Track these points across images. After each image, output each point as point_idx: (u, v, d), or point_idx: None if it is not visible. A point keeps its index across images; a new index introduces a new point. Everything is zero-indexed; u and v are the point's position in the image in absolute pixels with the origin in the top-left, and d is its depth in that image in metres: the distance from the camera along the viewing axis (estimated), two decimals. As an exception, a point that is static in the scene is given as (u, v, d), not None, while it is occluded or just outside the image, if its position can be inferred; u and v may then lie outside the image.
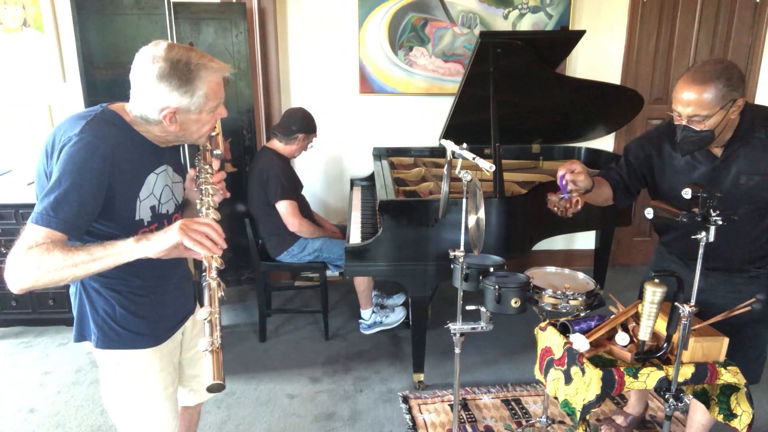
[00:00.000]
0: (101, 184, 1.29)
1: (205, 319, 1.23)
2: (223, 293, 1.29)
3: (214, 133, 1.48)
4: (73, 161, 1.25)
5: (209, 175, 1.47)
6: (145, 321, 1.50)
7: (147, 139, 1.41)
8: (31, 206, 3.12)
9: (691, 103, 1.64)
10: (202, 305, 1.39)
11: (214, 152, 1.51)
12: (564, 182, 1.84)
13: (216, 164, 1.51)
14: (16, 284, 1.22)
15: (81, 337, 1.50)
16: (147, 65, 1.30)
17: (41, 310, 3.34)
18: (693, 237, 1.49)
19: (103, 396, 1.59)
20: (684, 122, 1.68)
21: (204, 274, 1.30)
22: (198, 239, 1.26)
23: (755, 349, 1.89)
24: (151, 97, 1.32)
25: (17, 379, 2.87)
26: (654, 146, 1.92)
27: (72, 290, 1.50)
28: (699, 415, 2.01)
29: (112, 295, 1.45)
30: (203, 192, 1.44)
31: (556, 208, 1.86)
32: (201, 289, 1.31)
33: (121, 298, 1.45)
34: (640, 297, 2.14)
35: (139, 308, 1.48)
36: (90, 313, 1.46)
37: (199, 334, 1.73)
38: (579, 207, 1.83)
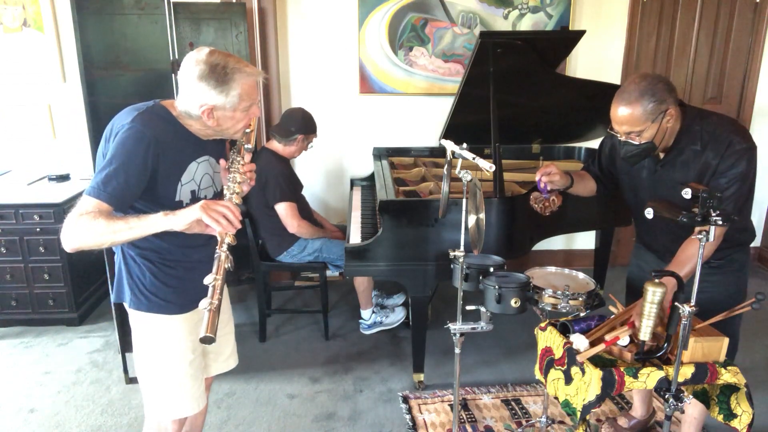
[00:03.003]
0: (145, 166, 1.49)
1: (210, 283, 1.41)
2: (229, 265, 1.46)
3: (248, 130, 1.66)
4: (123, 145, 1.47)
5: (240, 166, 1.64)
6: (172, 290, 1.68)
7: (190, 132, 1.60)
8: (31, 206, 3.17)
9: (624, 122, 1.77)
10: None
11: (246, 146, 1.68)
12: (543, 185, 2.06)
13: (247, 157, 1.68)
14: (68, 243, 1.43)
15: (118, 297, 1.71)
16: (191, 67, 1.49)
17: (41, 310, 3.34)
18: (669, 232, 1.53)
19: (134, 357, 1.77)
20: (624, 139, 1.81)
21: (216, 247, 1.48)
22: (215, 217, 1.43)
23: (727, 329, 1.89)
24: (192, 95, 1.50)
25: (17, 379, 2.87)
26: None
27: (115, 257, 1.72)
28: (691, 409, 2.03)
29: (144, 263, 1.65)
30: (231, 179, 1.62)
31: (536, 206, 2.12)
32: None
33: (153, 267, 1.65)
34: (629, 295, 2.18)
35: (167, 278, 1.67)
36: (126, 277, 1.67)
37: (223, 314, 1.84)
38: (556, 206, 2.11)
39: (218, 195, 1.75)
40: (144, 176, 1.50)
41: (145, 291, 1.66)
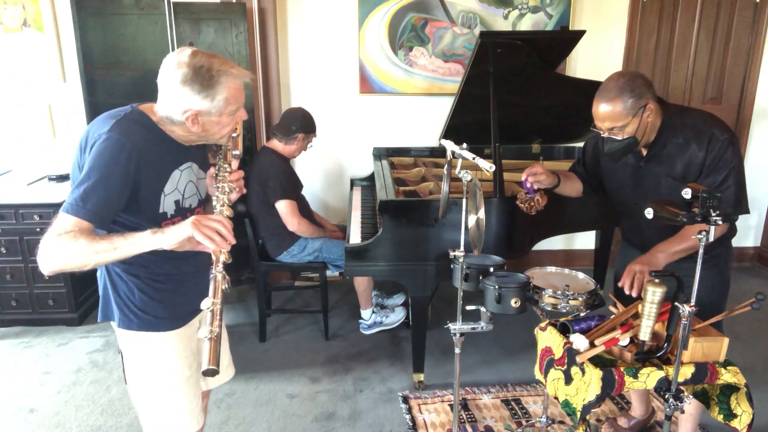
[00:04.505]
0: (127, 178, 1.39)
1: (208, 308, 1.32)
2: (227, 286, 1.37)
3: (234, 135, 1.56)
4: (101, 157, 1.36)
5: (227, 174, 1.56)
6: (163, 306, 1.58)
7: (172, 138, 1.50)
8: (31, 206, 3.16)
9: (606, 118, 1.83)
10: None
11: (233, 152, 1.58)
12: (529, 185, 2.11)
13: (235, 164, 1.59)
14: (46, 267, 1.33)
15: (105, 317, 1.61)
16: (172, 70, 1.39)
17: (41, 310, 3.35)
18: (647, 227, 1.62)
19: (126, 378, 1.66)
20: (606, 134, 1.87)
21: (211, 266, 1.38)
22: (208, 234, 1.34)
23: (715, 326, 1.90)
24: (175, 100, 1.41)
25: (17, 379, 2.87)
26: (602, 139, 2.08)
27: (98, 274, 1.61)
28: (687, 405, 2.03)
29: (132, 279, 1.55)
30: (220, 189, 1.53)
31: (522, 205, 2.17)
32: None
33: (141, 283, 1.55)
34: (616, 292, 2.19)
35: (157, 293, 1.57)
36: (112, 295, 1.57)
37: None
38: (541, 206, 2.15)
39: (203, 203, 1.66)
40: (126, 189, 1.40)
41: (134, 309, 1.55)
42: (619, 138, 1.85)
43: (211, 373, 1.25)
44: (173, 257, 1.52)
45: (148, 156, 1.43)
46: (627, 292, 1.83)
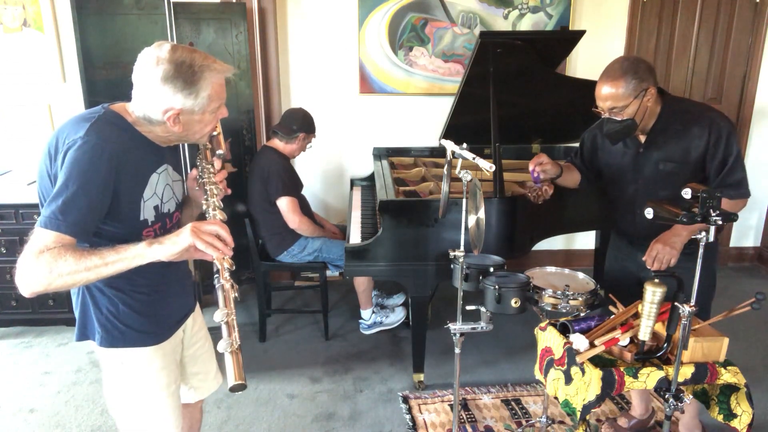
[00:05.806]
0: (107, 185, 1.29)
1: (222, 320, 1.26)
2: (237, 294, 1.32)
3: (215, 133, 1.49)
4: (79, 164, 1.25)
5: (212, 175, 1.49)
6: (148, 319, 1.50)
7: (148, 139, 1.41)
8: (32, 206, 3.15)
9: (608, 97, 1.89)
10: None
11: (217, 152, 1.52)
12: (536, 174, 2.19)
13: (218, 164, 1.53)
14: (28, 288, 1.22)
15: (83, 336, 1.50)
16: (151, 67, 1.30)
17: (41, 310, 3.34)
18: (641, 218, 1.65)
19: (105, 395, 1.59)
20: (607, 115, 1.93)
21: (217, 275, 1.32)
22: (210, 241, 1.27)
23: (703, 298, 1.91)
24: (155, 99, 1.32)
25: (17, 379, 2.87)
26: (599, 128, 2.16)
27: (73, 290, 1.48)
28: (685, 405, 2.04)
29: (115, 293, 1.44)
30: (208, 192, 1.47)
31: (529, 194, 2.26)
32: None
33: (125, 297, 1.45)
34: (606, 287, 2.22)
35: (142, 306, 1.48)
36: (93, 312, 1.45)
37: (200, 331, 1.76)
38: (548, 195, 2.24)
39: (180, 207, 1.58)
40: (107, 197, 1.29)
41: (118, 324, 1.45)
42: (619, 119, 1.90)
43: (239, 388, 1.18)
44: (157, 265, 1.36)
45: (126, 160, 1.33)
46: (648, 266, 1.93)
